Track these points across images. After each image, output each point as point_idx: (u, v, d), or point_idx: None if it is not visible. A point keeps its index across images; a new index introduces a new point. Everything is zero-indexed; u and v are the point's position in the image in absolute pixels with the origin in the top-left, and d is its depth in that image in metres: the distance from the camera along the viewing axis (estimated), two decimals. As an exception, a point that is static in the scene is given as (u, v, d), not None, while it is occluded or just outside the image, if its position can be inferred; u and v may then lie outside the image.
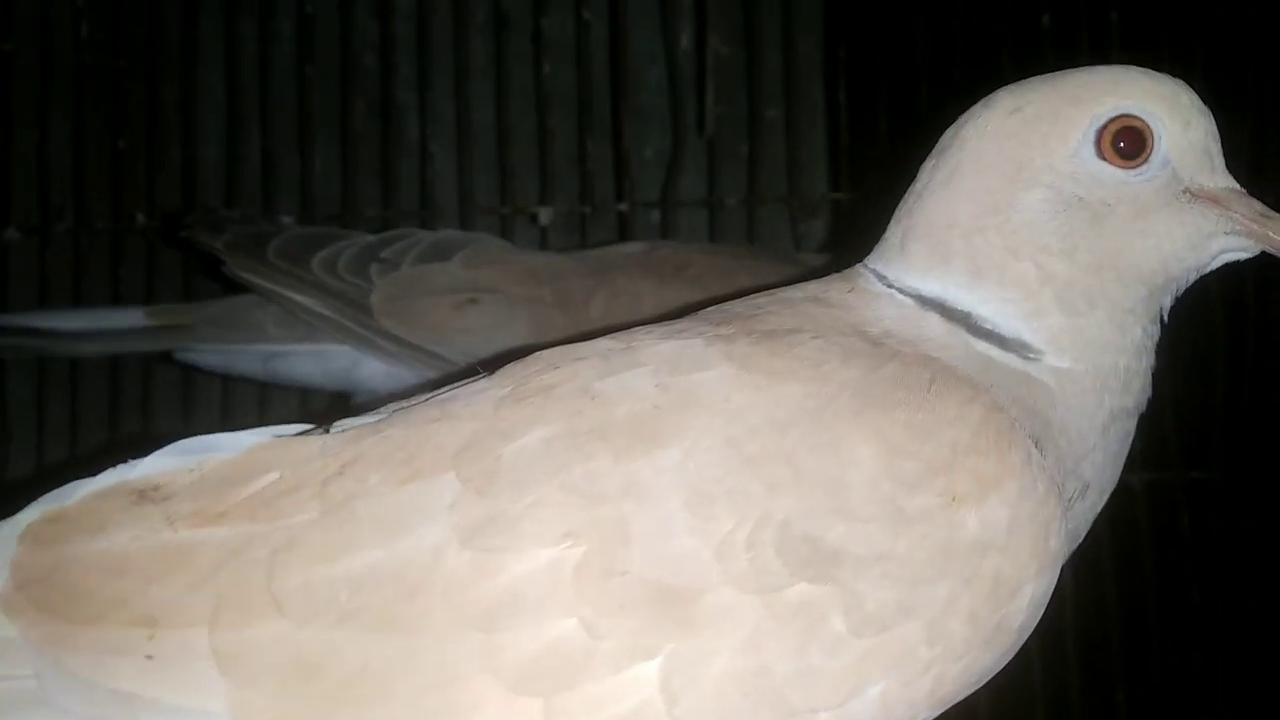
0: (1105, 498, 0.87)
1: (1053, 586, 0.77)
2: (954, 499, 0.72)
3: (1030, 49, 1.74)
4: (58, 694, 0.71)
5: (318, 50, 1.92)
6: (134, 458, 0.77)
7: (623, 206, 1.92)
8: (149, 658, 0.70)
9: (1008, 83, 0.87)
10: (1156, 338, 0.87)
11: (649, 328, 0.83)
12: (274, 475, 0.75)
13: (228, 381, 1.85)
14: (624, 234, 1.90)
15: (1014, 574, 0.73)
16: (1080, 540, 0.87)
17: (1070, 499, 0.82)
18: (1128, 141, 0.82)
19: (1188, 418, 1.69)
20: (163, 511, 0.73)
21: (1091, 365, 0.83)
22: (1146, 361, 0.86)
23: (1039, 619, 0.77)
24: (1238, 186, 0.84)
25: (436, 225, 1.92)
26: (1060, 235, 0.82)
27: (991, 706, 1.21)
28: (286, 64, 1.95)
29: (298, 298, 1.53)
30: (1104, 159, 0.82)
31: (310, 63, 1.91)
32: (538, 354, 0.80)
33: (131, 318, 1.66)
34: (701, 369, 0.76)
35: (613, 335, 0.82)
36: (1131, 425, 0.86)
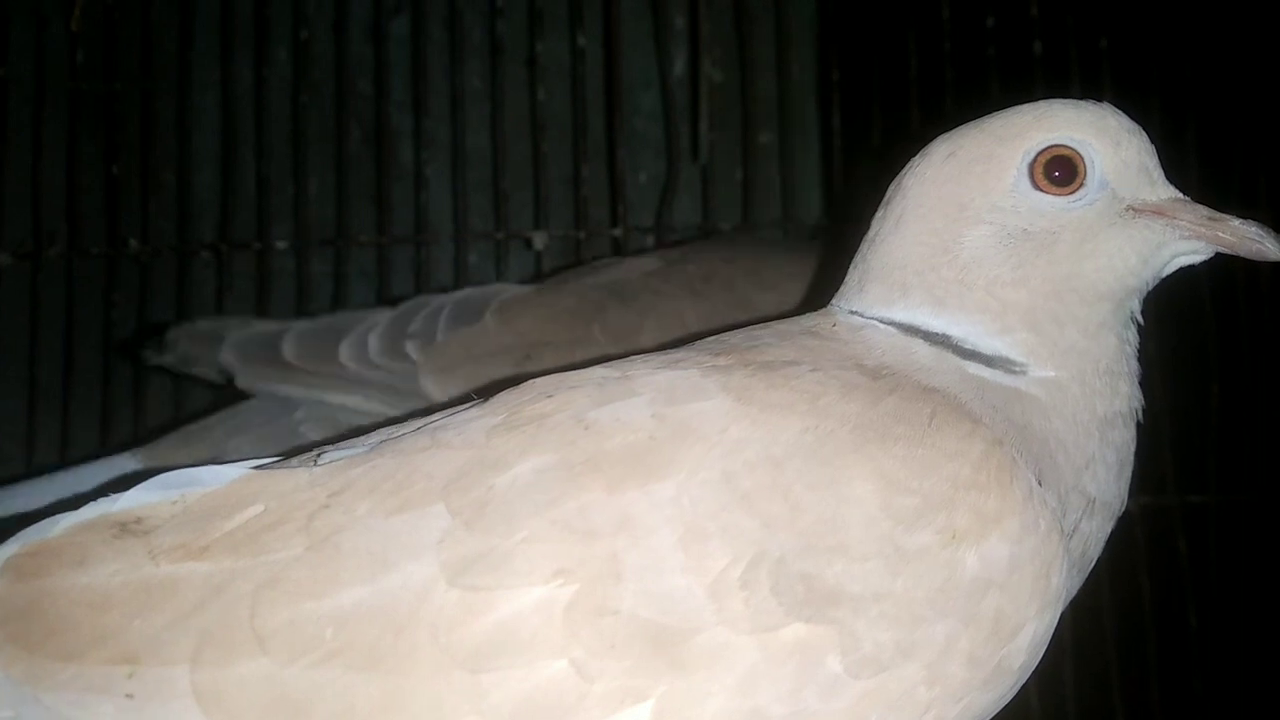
0: (1113, 518, 0.86)
1: (1054, 625, 0.76)
2: (954, 536, 0.71)
3: (1021, 75, 1.75)
4: None
5: (313, 75, 1.92)
6: (117, 490, 0.76)
7: (617, 231, 1.92)
8: (129, 696, 0.69)
9: (999, 109, 0.88)
10: (1135, 342, 0.88)
11: (646, 356, 0.83)
12: (258, 508, 0.73)
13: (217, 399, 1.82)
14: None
15: (1015, 613, 0.72)
16: (1092, 565, 0.86)
17: (1077, 520, 0.81)
18: (1061, 170, 0.84)
19: (1184, 443, 1.68)
20: (145, 545, 0.72)
21: (1075, 371, 0.84)
22: (1130, 365, 0.87)
23: (1039, 658, 0.76)
24: (1181, 195, 0.86)
25: (431, 250, 1.92)
26: (1010, 266, 0.84)
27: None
28: (281, 89, 1.95)
29: (338, 399, 1.40)
30: (1040, 190, 0.84)
31: (305, 88, 1.91)
32: (531, 382, 0.79)
33: (121, 468, 1.43)
34: (698, 400, 0.74)
35: (608, 364, 0.81)
36: (1129, 435, 0.86)
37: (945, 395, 0.78)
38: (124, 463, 1.43)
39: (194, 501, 0.74)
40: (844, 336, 0.85)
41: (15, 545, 0.74)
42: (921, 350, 0.83)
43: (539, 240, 1.91)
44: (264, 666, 0.69)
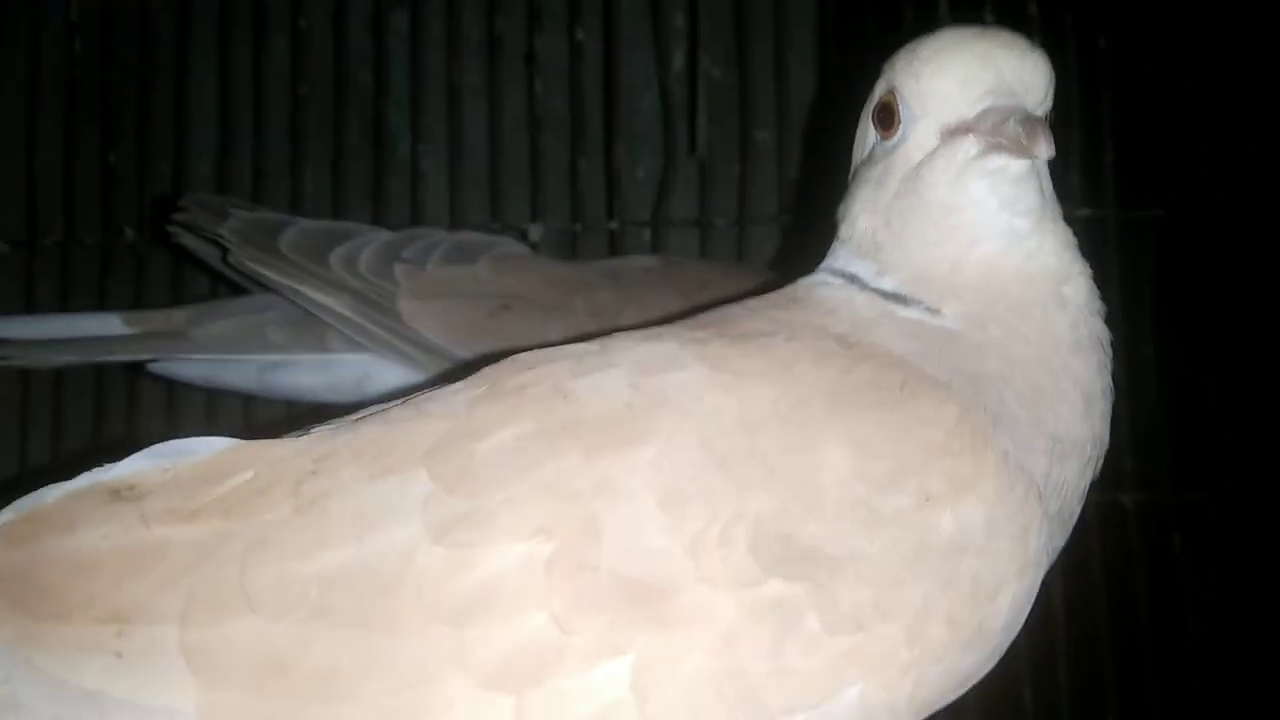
0: (1091, 464, 0.85)
1: (1035, 588, 0.77)
2: (928, 499, 0.72)
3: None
4: (27, 694, 0.70)
5: (311, 67, 1.92)
6: (113, 461, 0.76)
7: (613, 225, 1.92)
8: (118, 655, 0.69)
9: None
10: (1064, 269, 0.85)
11: (628, 333, 0.84)
12: (248, 474, 0.74)
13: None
14: (614, 253, 1.90)
15: (993, 576, 0.73)
16: (1074, 521, 0.85)
17: (1048, 466, 0.81)
18: (883, 114, 0.87)
19: (1180, 439, 1.68)
20: (136, 510, 0.73)
21: (981, 306, 0.83)
22: (1065, 293, 0.84)
23: (1022, 621, 0.77)
24: (996, 104, 0.81)
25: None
26: (869, 214, 0.87)
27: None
28: (279, 80, 1.95)
29: (316, 295, 1.43)
30: (881, 138, 0.88)
31: (303, 80, 1.91)
32: (515, 356, 0.80)
33: (108, 325, 1.55)
34: (675, 369, 0.76)
35: (591, 340, 0.82)
36: (1090, 366, 0.84)
37: (916, 366, 0.78)
38: (111, 324, 1.54)
39: (185, 469, 0.75)
40: (803, 300, 0.87)
41: (9, 514, 0.75)
42: (857, 297, 0.86)
43: (534, 233, 1.91)
44: (252, 624, 0.69)
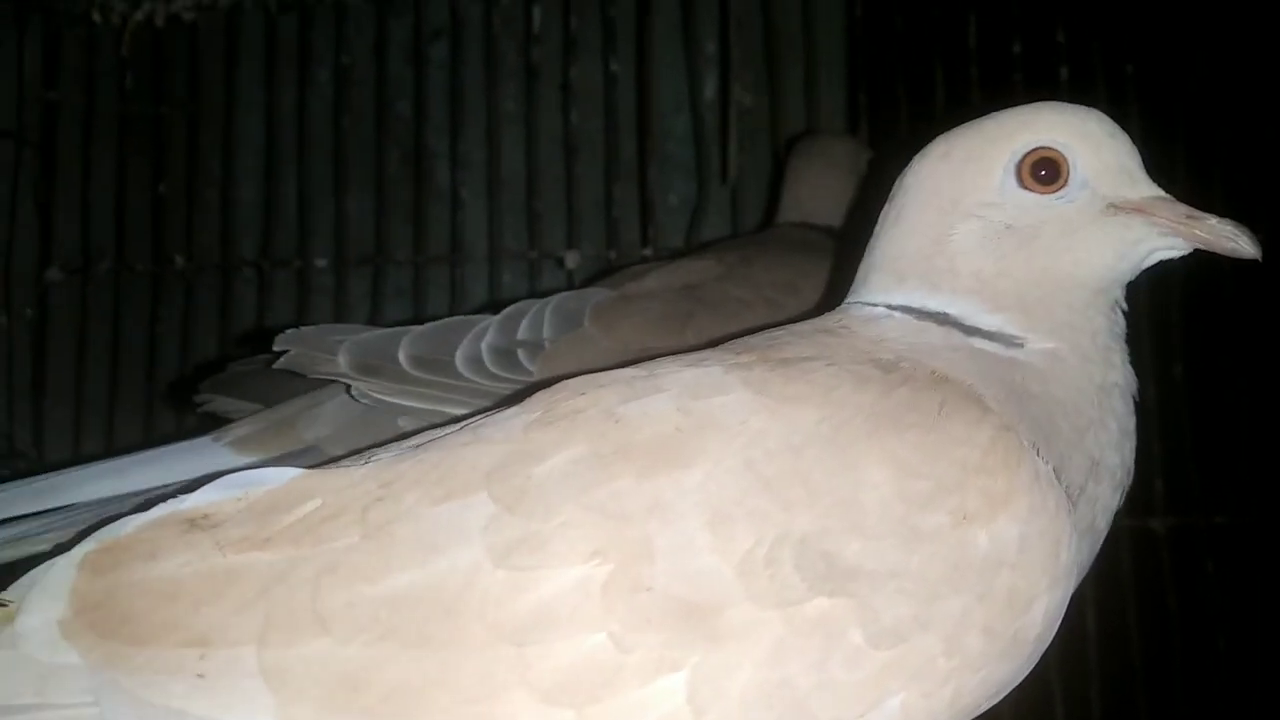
0: (1119, 490, 0.90)
1: (1067, 599, 0.80)
2: (965, 517, 0.75)
3: (1047, 96, 1.77)
4: (115, 714, 0.74)
5: (353, 98, 1.98)
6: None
7: (647, 251, 1.95)
8: (200, 676, 0.73)
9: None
10: (1123, 325, 0.94)
11: (673, 358, 0.87)
12: (316, 502, 0.78)
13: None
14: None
15: (1027, 589, 0.76)
16: (1103, 537, 0.90)
17: (1083, 482, 0.85)
18: (1046, 170, 0.89)
19: (1211, 463, 1.69)
20: (212, 538, 0.76)
21: (1070, 344, 0.89)
22: (1120, 345, 0.92)
23: (1054, 631, 0.79)
24: (1162, 194, 0.90)
25: (466, 268, 1.97)
26: (994, 258, 0.90)
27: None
28: (323, 111, 2.01)
29: (457, 412, 1.31)
30: (1026, 188, 0.89)
31: (346, 110, 1.96)
32: (565, 382, 0.84)
33: (214, 456, 1.33)
34: (720, 394, 0.79)
35: (637, 365, 0.86)
36: (1127, 408, 0.91)
37: (955, 383, 0.82)
38: (216, 453, 1.34)
39: (256, 498, 0.79)
40: (856, 330, 0.90)
41: (91, 544, 0.79)
42: (933, 330, 0.88)
43: (571, 260, 1.95)
44: (326, 645, 0.73)
